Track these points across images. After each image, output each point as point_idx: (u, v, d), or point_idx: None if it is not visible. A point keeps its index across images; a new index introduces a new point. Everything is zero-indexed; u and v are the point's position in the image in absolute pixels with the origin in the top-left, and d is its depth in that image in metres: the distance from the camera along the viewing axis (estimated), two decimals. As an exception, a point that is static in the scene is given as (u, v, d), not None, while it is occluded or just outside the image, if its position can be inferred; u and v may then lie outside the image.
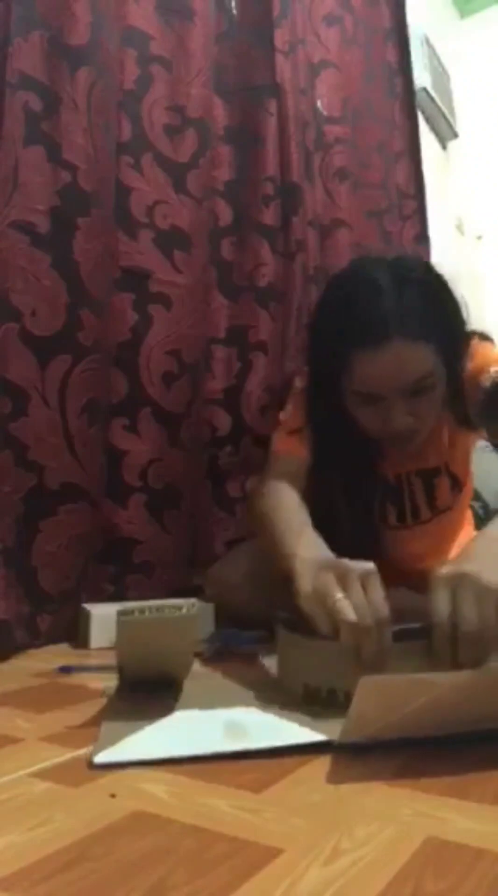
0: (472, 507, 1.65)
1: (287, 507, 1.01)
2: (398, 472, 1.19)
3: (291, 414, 1.19)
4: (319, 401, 1.10)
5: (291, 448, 1.14)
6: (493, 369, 1.04)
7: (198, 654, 0.98)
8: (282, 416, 1.24)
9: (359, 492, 1.15)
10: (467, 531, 1.34)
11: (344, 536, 0.97)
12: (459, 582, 0.73)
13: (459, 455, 1.22)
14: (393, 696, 0.60)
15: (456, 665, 0.71)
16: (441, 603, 0.72)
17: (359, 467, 1.13)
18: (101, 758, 0.59)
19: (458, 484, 1.23)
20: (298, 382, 1.23)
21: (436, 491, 1.20)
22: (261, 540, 1.05)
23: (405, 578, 1.11)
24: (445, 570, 0.75)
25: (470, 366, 1.06)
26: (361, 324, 0.96)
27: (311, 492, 1.07)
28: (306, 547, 0.87)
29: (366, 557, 0.80)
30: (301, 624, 0.79)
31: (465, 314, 1.03)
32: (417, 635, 0.74)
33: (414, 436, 1.05)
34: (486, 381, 1.04)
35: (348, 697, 0.60)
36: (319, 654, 0.77)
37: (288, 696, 0.77)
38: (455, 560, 0.80)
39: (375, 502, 1.18)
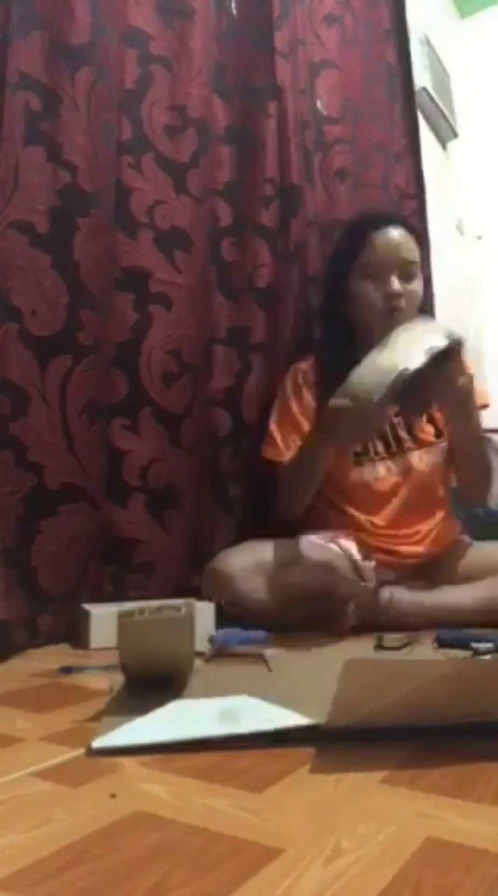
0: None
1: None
2: None
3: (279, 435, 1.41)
4: (332, 313, 1.48)
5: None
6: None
7: (198, 654, 0.98)
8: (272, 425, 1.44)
9: None
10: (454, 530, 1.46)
11: None
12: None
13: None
14: (380, 680, 0.61)
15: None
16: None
17: None
18: (98, 743, 0.61)
19: (437, 428, 1.41)
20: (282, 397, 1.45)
21: (415, 428, 1.40)
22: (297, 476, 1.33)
23: (402, 562, 1.36)
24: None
25: None
26: (377, 215, 1.46)
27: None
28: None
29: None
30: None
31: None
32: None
33: (400, 316, 1.31)
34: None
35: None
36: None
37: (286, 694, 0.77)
38: None
39: None
